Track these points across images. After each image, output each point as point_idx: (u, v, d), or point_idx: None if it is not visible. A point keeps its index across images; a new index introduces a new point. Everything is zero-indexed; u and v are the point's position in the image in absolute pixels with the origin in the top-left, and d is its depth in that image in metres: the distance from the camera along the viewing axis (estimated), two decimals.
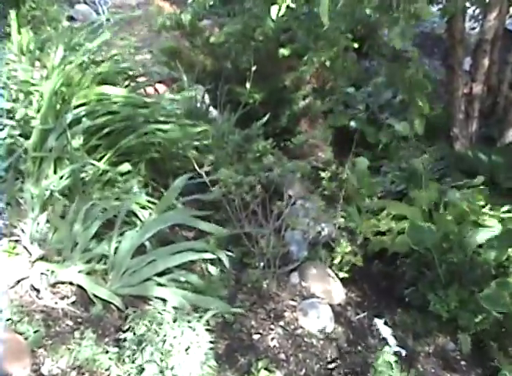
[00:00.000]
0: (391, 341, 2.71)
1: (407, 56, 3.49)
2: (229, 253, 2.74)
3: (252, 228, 2.86)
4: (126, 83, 3.56)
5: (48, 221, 2.48)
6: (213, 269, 2.67)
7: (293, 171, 2.88)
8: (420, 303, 2.84)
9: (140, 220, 2.76)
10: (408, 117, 3.37)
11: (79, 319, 2.25)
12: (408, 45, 3.13)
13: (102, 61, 3.52)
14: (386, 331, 2.74)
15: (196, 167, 3.01)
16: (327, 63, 3.36)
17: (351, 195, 3.20)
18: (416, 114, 2.49)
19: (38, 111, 2.86)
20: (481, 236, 2.78)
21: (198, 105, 3.97)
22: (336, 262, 2.98)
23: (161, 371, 2.08)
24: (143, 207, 2.82)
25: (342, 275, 3.01)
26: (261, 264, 2.84)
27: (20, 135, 2.77)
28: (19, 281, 2.30)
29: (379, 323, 2.80)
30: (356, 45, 3.64)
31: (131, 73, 3.68)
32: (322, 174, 3.15)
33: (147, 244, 2.62)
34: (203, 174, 2.94)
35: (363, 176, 3.31)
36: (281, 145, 3.11)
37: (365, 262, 3.09)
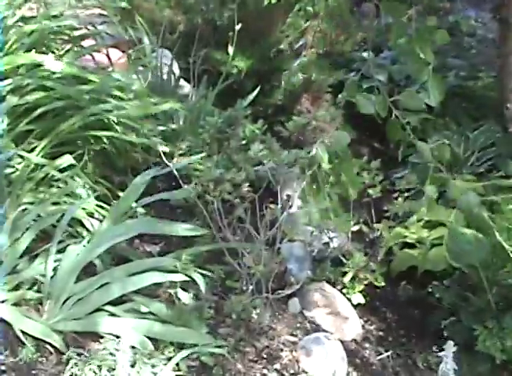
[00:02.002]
0: None
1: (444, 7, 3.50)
2: (207, 273, 2.75)
3: (237, 240, 2.88)
4: (66, 48, 3.57)
5: None
6: (185, 295, 2.67)
7: (290, 164, 2.89)
8: (464, 339, 2.82)
9: (88, 231, 2.78)
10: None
11: (2, 367, 2.24)
12: None
13: (33, 17, 3.52)
14: None
15: (164, 159, 3.03)
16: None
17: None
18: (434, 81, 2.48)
19: None
20: None
21: (164, 77, 3.99)
22: (349, 282, 3.00)
23: None
24: (91, 214, 2.84)
25: (357, 300, 3.03)
26: (250, 287, 2.85)
27: None
28: None
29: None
30: None
31: (73, 34, 3.68)
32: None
33: (97, 262, 2.64)
34: (173, 168, 2.95)
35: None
36: (275, 129, 3.12)
37: (389, 284, 3.12)
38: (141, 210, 3.01)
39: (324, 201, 2.97)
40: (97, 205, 2.89)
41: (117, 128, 3.19)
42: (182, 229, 2.87)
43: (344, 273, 3.07)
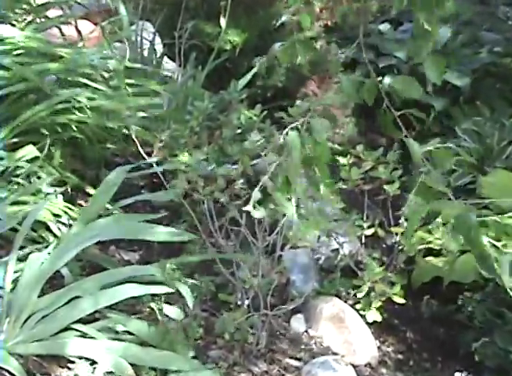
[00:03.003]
0: None
1: None
2: (195, 285, 2.76)
3: (231, 246, 2.88)
4: (28, 19, 3.58)
5: None
6: (170, 311, 2.67)
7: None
8: (498, 363, 2.83)
9: (55, 236, 2.78)
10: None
11: None
12: None
13: None
14: None
15: (142, 151, 3.03)
16: None
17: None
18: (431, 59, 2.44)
19: None
20: None
21: (145, 54, 4.00)
22: (363, 297, 3.01)
23: None
24: (58, 216, 2.84)
25: (372, 318, 3.02)
26: (246, 302, 2.85)
27: None
28: None
29: None
30: None
31: (35, 2, 3.69)
32: (341, 160, 3.18)
33: (65, 272, 2.64)
34: (154, 162, 2.94)
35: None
36: (275, 116, 3.12)
37: (410, 298, 3.11)
38: (117, 211, 3.01)
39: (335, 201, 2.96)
40: (65, 205, 2.89)
41: (89, 113, 3.19)
42: (166, 233, 2.86)
43: (357, 286, 3.06)
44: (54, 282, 2.59)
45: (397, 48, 4.44)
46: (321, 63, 4.35)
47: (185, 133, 3.31)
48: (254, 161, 2.92)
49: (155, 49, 4.03)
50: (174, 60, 4.06)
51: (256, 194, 2.07)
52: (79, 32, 3.77)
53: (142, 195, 3.10)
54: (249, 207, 2.08)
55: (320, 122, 2.43)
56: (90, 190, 3.11)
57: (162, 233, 2.86)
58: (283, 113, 2.99)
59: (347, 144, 3.77)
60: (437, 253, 3.13)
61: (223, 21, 3.91)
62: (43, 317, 2.47)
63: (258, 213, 2.10)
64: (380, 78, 2.64)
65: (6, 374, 2.32)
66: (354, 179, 3.17)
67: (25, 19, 3.54)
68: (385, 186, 3.19)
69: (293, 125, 2.16)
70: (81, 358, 2.38)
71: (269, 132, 2.98)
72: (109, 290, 2.55)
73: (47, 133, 3.10)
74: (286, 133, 2.15)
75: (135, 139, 3.12)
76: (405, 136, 2.16)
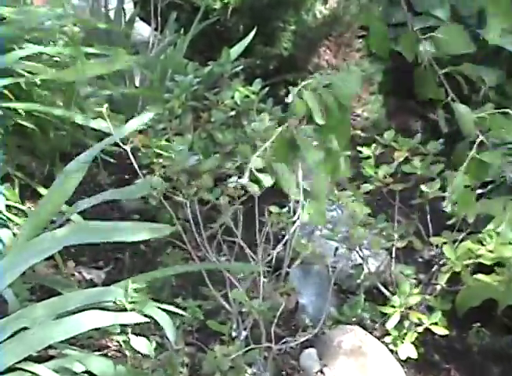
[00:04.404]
0: None
1: None
2: (178, 311, 2.72)
3: (224, 261, 2.92)
4: None
5: None
6: (143, 345, 2.63)
7: None
8: None
9: None
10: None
11: None
12: None
13: None
14: None
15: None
16: None
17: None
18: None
19: None
20: None
21: (111, 15, 4.03)
22: (393, 327, 2.99)
23: None
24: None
25: (406, 353, 3.00)
26: (243, 333, 2.86)
27: None
28: None
29: None
30: None
31: None
32: (365, 150, 3.16)
33: (9, 296, 2.63)
34: (128, 152, 2.93)
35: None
36: (279, 94, 3.11)
37: (454, 328, 3.12)
38: (76, 217, 3.01)
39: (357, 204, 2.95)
40: (8, 210, 2.88)
41: (39, 92, 3.19)
42: (142, 230, 2.81)
43: (386, 313, 3.03)
44: None
45: (437, 3, 4.42)
46: (338, 24, 4.34)
47: (163, 116, 3.30)
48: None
49: (124, 9, 4.04)
50: (148, 23, 4.10)
51: (256, 161, 2.05)
52: None
53: (108, 192, 3.09)
54: (245, 180, 2.06)
55: (345, 79, 2.40)
56: (41, 190, 3.10)
57: (136, 231, 2.82)
58: (290, 91, 3.00)
59: (371, 129, 3.76)
60: (489, 270, 3.11)
61: None
62: None
63: (256, 186, 2.07)
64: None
65: None
66: (381, 176, 3.13)
67: None
68: (422, 185, 3.16)
69: (306, 82, 2.12)
70: None
71: (272, 115, 2.98)
72: (66, 319, 2.51)
73: None
74: (299, 92, 2.11)
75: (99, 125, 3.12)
76: (452, 100, 2.14)
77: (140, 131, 3.15)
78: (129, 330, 2.65)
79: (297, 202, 2.91)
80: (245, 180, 2.04)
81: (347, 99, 2.22)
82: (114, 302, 2.57)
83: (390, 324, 3.01)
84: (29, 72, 3.17)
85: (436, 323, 3.00)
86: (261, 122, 2.96)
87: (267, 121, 2.96)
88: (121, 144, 2.93)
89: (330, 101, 2.14)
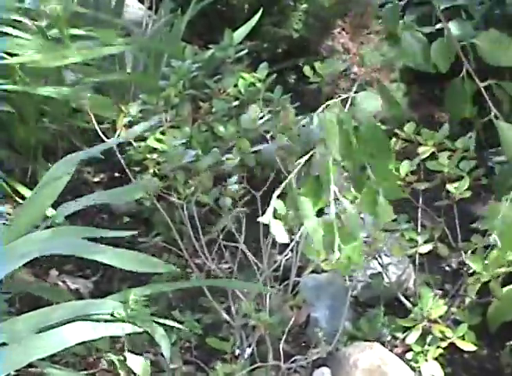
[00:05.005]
0: None
1: None
2: (173, 324, 2.70)
3: (225, 269, 2.93)
4: None
5: None
6: (136, 363, 2.64)
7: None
8: None
9: None
10: None
11: None
12: None
13: None
14: None
15: (99, 130, 2.99)
16: None
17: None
18: None
19: None
20: None
21: None
22: (416, 343, 2.98)
23: None
24: None
25: (430, 372, 2.99)
26: (247, 350, 2.86)
27: None
28: None
29: None
30: None
31: None
32: None
33: None
34: (114, 145, 2.94)
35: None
36: (288, 81, 3.09)
37: (484, 344, 3.11)
38: (61, 220, 2.98)
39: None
40: None
41: (21, 74, 3.21)
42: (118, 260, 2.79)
43: (408, 327, 3.02)
44: None
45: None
46: (354, 3, 4.34)
47: (158, 106, 3.28)
48: (258, 148, 2.92)
49: None
50: (141, 1, 4.16)
51: (276, 202, 2.04)
52: None
53: (96, 194, 3.12)
54: (265, 219, 2.04)
55: (367, 97, 2.39)
56: (22, 190, 3.10)
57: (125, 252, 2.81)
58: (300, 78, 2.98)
59: (392, 121, 3.75)
60: None
61: None
62: None
63: (282, 235, 2.04)
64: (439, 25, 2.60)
65: None
66: (402, 174, 3.10)
67: None
68: (449, 186, 3.14)
69: (332, 102, 2.10)
70: None
71: (280, 105, 2.98)
72: (49, 334, 2.49)
73: None
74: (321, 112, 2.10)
75: (88, 113, 3.07)
76: (495, 117, 2.11)
77: (131, 123, 3.13)
78: (120, 346, 2.67)
79: None
80: (266, 218, 2.03)
81: (369, 125, 2.21)
82: (112, 314, 2.56)
83: (411, 339, 3.00)
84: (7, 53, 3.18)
85: (463, 339, 2.99)
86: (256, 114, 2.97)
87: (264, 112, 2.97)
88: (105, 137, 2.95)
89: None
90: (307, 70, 3.06)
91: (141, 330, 2.56)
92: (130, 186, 2.98)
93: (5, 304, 2.71)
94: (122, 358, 2.66)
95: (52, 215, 2.97)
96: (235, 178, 2.80)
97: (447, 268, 3.38)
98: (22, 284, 2.78)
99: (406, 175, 3.11)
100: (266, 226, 2.84)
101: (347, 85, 3.35)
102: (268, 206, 2.84)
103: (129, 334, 2.58)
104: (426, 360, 3.01)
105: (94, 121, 3.00)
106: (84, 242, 2.82)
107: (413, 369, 3.00)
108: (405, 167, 3.11)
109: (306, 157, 2.03)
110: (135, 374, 2.64)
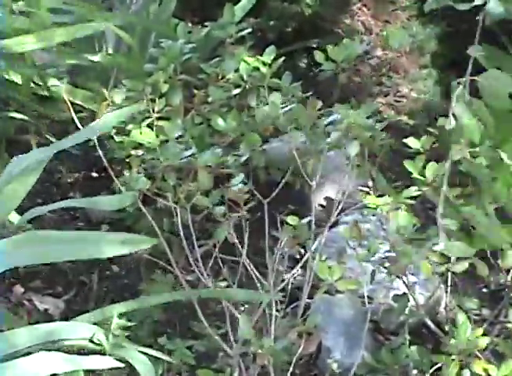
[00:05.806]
0: None
1: None
2: (159, 355, 2.70)
3: (222, 287, 2.91)
4: None
5: None
6: None
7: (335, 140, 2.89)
8: None
9: None
10: None
11: None
12: None
13: None
14: None
15: (77, 120, 3.00)
16: None
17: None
18: None
19: None
20: None
21: None
22: None
23: None
24: None
25: None
26: None
27: None
28: None
29: None
30: None
31: None
32: (412, 142, 3.10)
33: None
34: (95, 140, 2.92)
35: None
36: (299, 65, 3.04)
37: None
38: (27, 227, 3.00)
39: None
40: None
41: None
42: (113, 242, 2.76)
43: (439, 361, 2.98)
44: None
45: None
46: None
47: (144, 94, 3.26)
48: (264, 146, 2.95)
49: None
50: None
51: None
52: None
53: (68, 202, 3.06)
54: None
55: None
56: None
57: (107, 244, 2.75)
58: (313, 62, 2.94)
59: (422, 115, 3.72)
60: None
61: None
62: None
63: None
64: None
65: None
66: (430, 178, 3.07)
67: None
68: None
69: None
70: None
71: (290, 93, 3.00)
72: (11, 364, 2.49)
73: None
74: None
75: (65, 101, 3.10)
76: None
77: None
78: None
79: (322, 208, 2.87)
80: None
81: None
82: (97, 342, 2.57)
83: (445, 374, 2.95)
84: None
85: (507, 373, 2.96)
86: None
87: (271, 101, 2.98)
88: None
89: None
90: (319, 55, 3.04)
91: (122, 365, 2.53)
92: (117, 196, 2.94)
93: None
94: None
95: (16, 222, 2.96)
96: (240, 177, 2.81)
97: (485, 289, 3.39)
98: None
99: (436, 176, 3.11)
100: (273, 237, 2.84)
101: (368, 71, 3.34)
102: (275, 213, 2.83)
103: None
104: None
105: (71, 110, 3.00)
106: (51, 247, 2.82)
107: None
108: (430, 169, 3.09)
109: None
110: None
